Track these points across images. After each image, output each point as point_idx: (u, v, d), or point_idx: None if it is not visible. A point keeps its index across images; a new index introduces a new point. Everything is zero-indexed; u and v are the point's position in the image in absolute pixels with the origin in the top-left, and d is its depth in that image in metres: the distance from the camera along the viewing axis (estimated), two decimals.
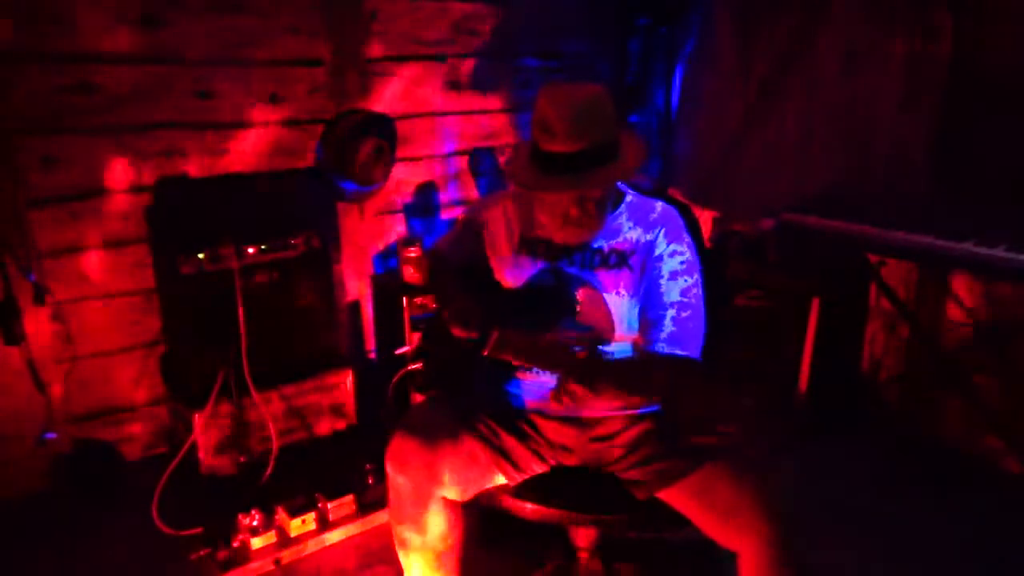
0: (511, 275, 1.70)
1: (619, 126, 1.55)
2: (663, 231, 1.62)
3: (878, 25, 2.81)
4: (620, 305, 1.59)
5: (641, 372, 1.43)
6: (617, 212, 1.65)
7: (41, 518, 2.28)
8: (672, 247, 1.60)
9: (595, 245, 1.63)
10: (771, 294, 2.87)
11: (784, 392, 2.77)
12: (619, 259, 1.62)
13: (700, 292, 1.59)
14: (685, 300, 1.55)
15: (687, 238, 1.64)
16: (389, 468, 1.56)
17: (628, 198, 1.68)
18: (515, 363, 1.49)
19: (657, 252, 1.60)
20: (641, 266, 1.60)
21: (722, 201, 3.43)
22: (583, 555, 1.79)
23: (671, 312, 1.54)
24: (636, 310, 1.60)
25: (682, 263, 1.59)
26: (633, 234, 1.63)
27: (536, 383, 1.64)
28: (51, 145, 2.26)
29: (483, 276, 1.76)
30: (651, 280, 1.59)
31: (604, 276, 1.61)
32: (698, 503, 1.46)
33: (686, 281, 1.57)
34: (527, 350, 1.46)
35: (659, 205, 1.68)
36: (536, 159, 1.53)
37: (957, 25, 2.60)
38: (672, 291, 1.56)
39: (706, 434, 1.43)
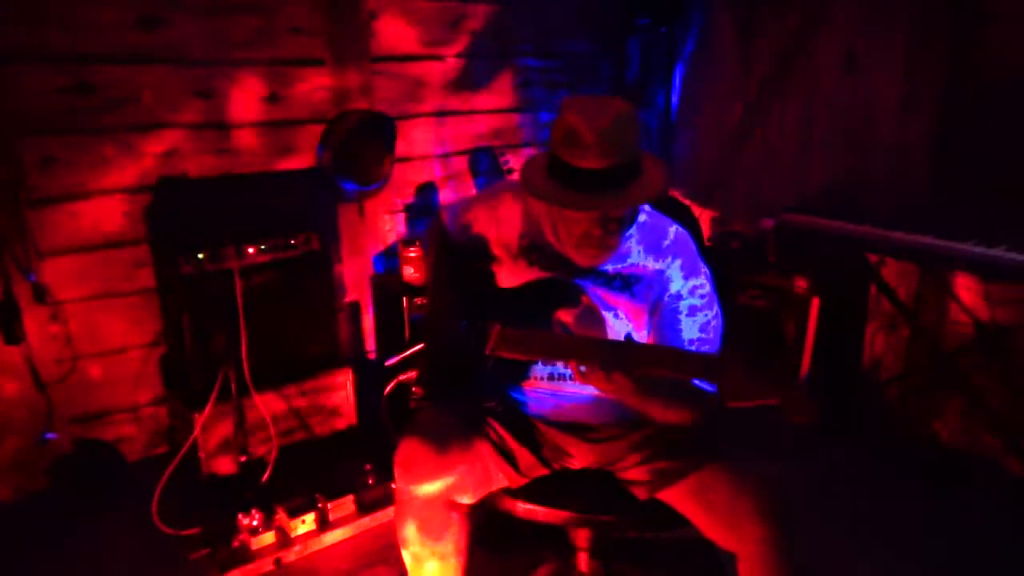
0: (508, 278, 1.65)
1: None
2: (679, 264, 1.57)
3: (878, 25, 2.81)
4: (615, 326, 1.57)
5: (676, 358, 1.39)
6: (627, 235, 1.58)
7: (41, 518, 2.28)
8: (691, 283, 1.56)
9: (600, 267, 1.59)
10: (771, 294, 2.87)
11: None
12: (623, 283, 1.58)
13: (719, 324, 1.56)
14: (704, 336, 1.53)
15: (703, 267, 1.60)
16: (397, 472, 1.52)
17: (641, 217, 1.61)
18: (521, 358, 1.47)
19: (675, 289, 1.56)
20: (645, 295, 1.57)
21: (722, 201, 3.43)
22: (583, 555, 1.79)
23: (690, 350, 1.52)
24: (630, 336, 1.58)
25: (702, 296, 1.56)
26: (642, 261, 1.59)
27: (540, 390, 1.63)
28: (51, 145, 2.26)
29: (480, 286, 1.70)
30: (669, 316, 1.55)
31: (605, 295, 1.58)
32: (698, 503, 1.45)
33: (705, 316, 1.55)
34: (535, 344, 1.45)
35: (672, 230, 1.62)
36: (557, 173, 1.43)
37: (957, 25, 2.60)
38: (691, 328, 1.53)
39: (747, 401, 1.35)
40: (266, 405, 2.36)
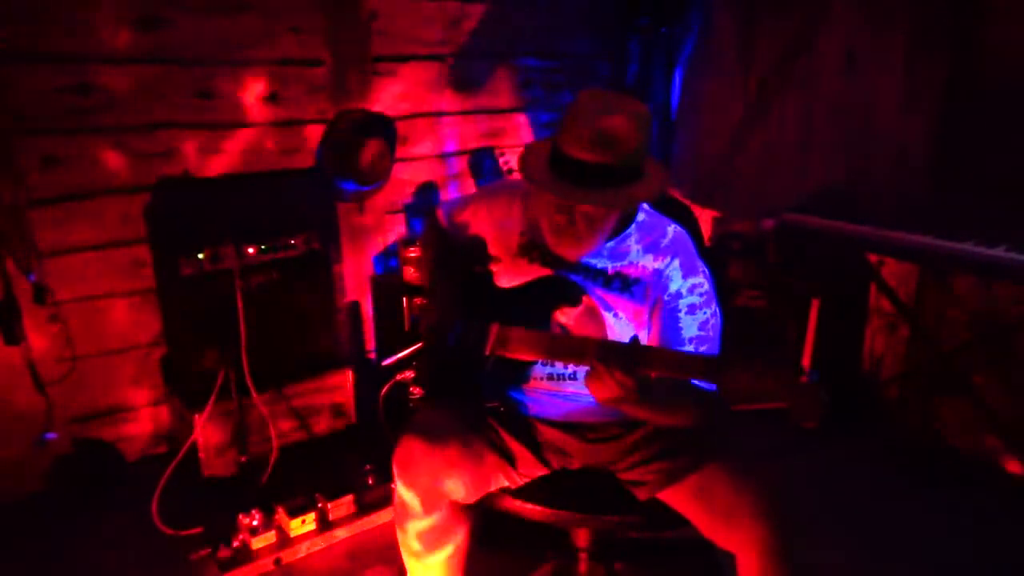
0: (507, 277, 1.65)
1: (648, 152, 1.47)
2: (677, 262, 1.57)
3: (878, 25, 2.81)
4: (614, 327, 1.57)
5: (677, 359, 1.39)
6: (626, 234, 1.59)
7: (41, 518, 2.28)
8: (690, 281, 1.56)
9: (599, 266, 1.58)
10: (771, 294, 2.87)
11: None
12: (623, 284, 1.58)
13: (718, 322, 1.56)
14: (703, 334, 1.53)
15: (701, 266, 1.60)
16: (396, 472, 1.53)
17: (640, 216, 1.62)
18: (520, 358, 1.47)
19: (674, 288, 1.55)
20: (645, 294, 1.57)
21: (722, 201, 3.43)
22: (583, 555, 1.79)
23: (689, 348, 1.52)
24: (630, 336, 1.58)
25: (701, 294, 1.56)
26: (641, 261, 1.58)
27: (540, 390, 1.63)
28: (51, 145, 2.26)
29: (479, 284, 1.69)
30: (669, 315, 1.55)
31: (605, 295, 1.58)
32: (698, 503, 1.46)
33: (704, 314, 1.55)
34: (535, 343, 1.45)
35: (671, 229, 1.62)
36: (552, 153, 1.46)
37: (957, 25, 2.60)
38: (691, 326, 1.53)
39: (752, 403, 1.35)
40: (266, 405, 2.36)
